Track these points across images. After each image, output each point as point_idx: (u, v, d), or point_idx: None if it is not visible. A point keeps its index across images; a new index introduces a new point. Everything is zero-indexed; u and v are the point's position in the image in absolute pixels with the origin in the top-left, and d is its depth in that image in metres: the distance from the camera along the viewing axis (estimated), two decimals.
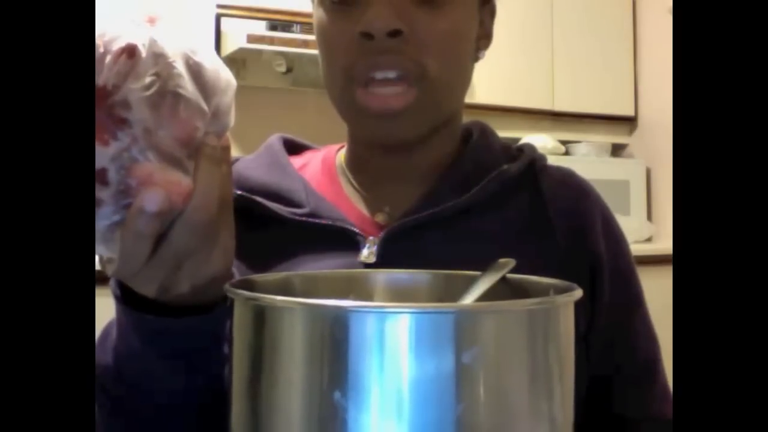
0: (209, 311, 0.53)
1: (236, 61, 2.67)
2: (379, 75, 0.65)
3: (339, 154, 0.79)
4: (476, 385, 0.36)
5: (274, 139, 0.80)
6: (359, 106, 0.66)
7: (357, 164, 0.76)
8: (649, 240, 3.15)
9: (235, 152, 0.56)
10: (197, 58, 0.48)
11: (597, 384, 0.69)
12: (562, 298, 0.40)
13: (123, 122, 0.44)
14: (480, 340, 0.36)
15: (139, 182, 0.45)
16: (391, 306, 0.37)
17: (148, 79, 0.45)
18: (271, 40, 2.56)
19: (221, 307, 0.54)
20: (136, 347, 0.55)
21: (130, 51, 0.45)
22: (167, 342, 0.54)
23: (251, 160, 0.77)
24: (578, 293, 0.41)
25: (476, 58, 0.74)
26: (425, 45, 0.65)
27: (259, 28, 2.62)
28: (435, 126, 0.70)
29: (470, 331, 0.36)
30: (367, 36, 0.64)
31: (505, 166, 0.72)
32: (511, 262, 0.51)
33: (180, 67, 0.47)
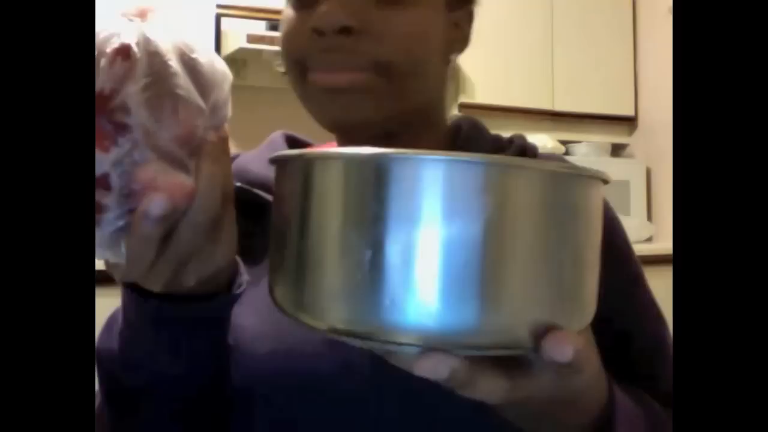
0: (213, 299, 0.54)
1: (236, 61, 2.66)
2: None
3: None
4: (504, 231, 0.38)
5: (277, 135, 0.80)
6: (310, 85, 0.67)
7: None
8: (649, 240, 3.15)
9: (234, 152, 0.56)
10: (192, 54, 0.47)
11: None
12: (591, 172, 0.41)
13: (123, 127, 0.44)
14: (510, 193, 0.38)
15: (142, 186, 0.45)
16: (429, 153, 0.38)
17: (144, 81, 0.44)
18: (271, 40, 2.56)
19: (225, 296, 0.54)
20: (141, 332, 0.55)
21: (125, 53, 0.44)
22: (171, 329, 0.54)
23: (253, 155, 0.77)
24: (607, 177, 0.42)
25: (447, 60, 0.72)
26: (380, 43, 0.64)
27: (259, 28, 2.62)
28: (399, 114, 0.68)
29: (501, 182, 0.38)
30: (318, 32, 0.64)
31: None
32: None
33: (175, 65, 0.46)
